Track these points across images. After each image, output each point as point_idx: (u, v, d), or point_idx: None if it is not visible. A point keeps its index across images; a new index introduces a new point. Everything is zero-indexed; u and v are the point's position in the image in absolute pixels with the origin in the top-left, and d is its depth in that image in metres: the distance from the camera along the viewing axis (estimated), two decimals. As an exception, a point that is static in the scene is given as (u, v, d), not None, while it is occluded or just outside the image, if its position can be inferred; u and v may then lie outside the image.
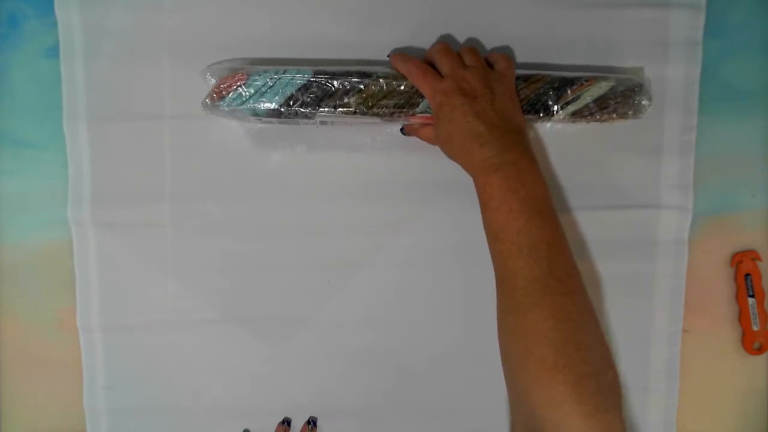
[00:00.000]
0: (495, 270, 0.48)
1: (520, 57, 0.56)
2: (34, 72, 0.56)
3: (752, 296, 0.59)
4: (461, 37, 0.56)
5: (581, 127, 0.57)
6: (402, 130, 0.56)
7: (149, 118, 0.56)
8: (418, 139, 0.55)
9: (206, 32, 0.55)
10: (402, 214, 0.58)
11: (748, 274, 0.59)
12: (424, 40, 0.56)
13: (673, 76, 0.57)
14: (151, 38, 0.55)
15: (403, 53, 0.53)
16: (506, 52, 0.55)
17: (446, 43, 0.53)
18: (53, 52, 0.56)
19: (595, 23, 0.56)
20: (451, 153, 0.51)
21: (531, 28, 0.56)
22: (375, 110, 0.52)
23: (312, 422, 0.59)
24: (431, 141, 0.53)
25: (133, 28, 0.55)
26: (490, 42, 0.56)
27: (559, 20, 0.56)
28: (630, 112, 0.54)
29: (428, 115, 0.52)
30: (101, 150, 0.56)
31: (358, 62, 0.55)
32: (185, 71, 0.55)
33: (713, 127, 0.58)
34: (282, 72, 0.52)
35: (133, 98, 0.56)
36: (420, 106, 0.52)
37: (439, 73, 0.51)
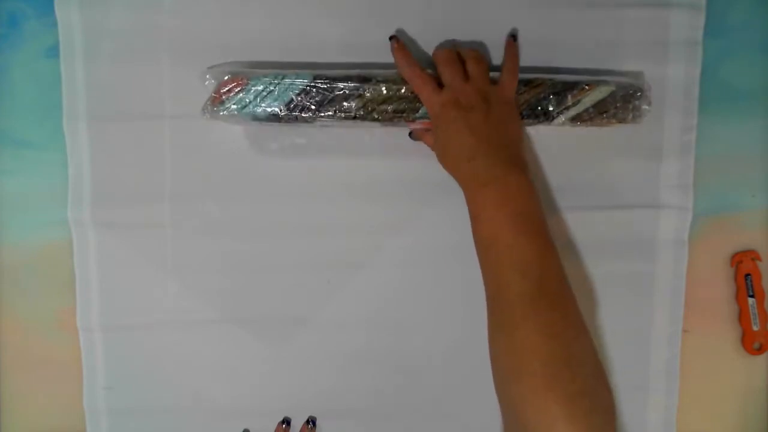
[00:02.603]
0: (485, 284, 0.48)
1: (520, 57, 0.56)
2: (34, 72, 0.56)
3: (752, 296, 0.59)
4: (461, 38, 0.56)
5: (581, 127, 0.57)
6: (410, 134, 0.56)
7: (149, 118, 0.56)
8: (418, 139, 0.56)
9: (206, 32, 0.55)
10: (402, 214, 0.58)
11: (748, 274, 0.59)
12: (424, 41, 0.56)
13: (673, 76, 0.57)
14: (151, 38, 0.55)
15: (406, 53, 0.52)
16: (515, 53, 0.54)
17: (452, 51, 0.52)
18: (53, 52, 0.56)
19: (595, 23, 0.56)
20: (445, 164, 0.51)
21: (531, 27, 0.56)
22: (375, 115, 0.52)
23: (311, 422, 0.59)
24: (432, 148, 0.54)
25: (133, 28, 0.55)
26: (489, 42, 0.56)
27: (558, 20, 0.56)
28: (629, 117, 0.54)
29: (428, 120, 0.52)
30: (101, 150, 0.56)
31: (358, 65, 0.55)
32: (185, 71, 0.55)
33: (713, 127, 0.58)
34: (281, 77, 0.52)
35: (133, 98, 0.56)
36: (420, 111, 0.52)
37: (441, 77, 0.51)
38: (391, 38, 0.53)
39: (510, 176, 0.48)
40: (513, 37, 0.55)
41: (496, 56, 0.56)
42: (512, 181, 0.48)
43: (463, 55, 0.52)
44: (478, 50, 0.53)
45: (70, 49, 0.55)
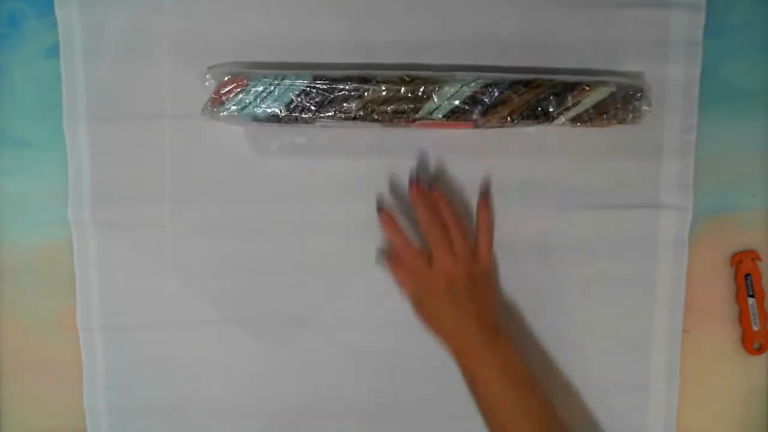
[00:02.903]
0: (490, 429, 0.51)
1: (520, 57, 0.56)
2: (34, 72, 0.56)
3: (752, 296, 0.59)
4: (460, 38, 0.56)
5: (581, 128, 0.57)
6: (385, 259, 0.56)
7: (149, 118, 0.56)
8: (418, 137, 0.56)
9: (206, 33, 0.55)
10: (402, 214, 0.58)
11: (748, 274, 0.59)
12: (423, 42, 0.56)
13: (673, 76, 0.57)
14: (151, 38, 0.55)
15: (394, 224, 0.55)
16: (487, 216, 0.56)
17: (435, 217, 0.53)
18: (53, 52, 0.56)
19: (595, 23, 0.56)
20: (428, 327, 0.54)
21: (531, 27, 0.56)
22: (375, 116, 0.52)
23: None
24: (406, 292, 0.55)
25: (133, 28, 0.55)
26: (490, 42, 0.56)
27: (558, 20, 0.56)
28: (629, 117, 0.54)
29: (428, 121, 0.52)
30: (101, 150, 0.56)
31: (358, 66, 0.55)
32: (185, 71, 0.55)
33: (713, 127, 0.58)
34: (281, 78, 0.52)
35: (133, 98, 0.56)
36: (420, 111, 0.52)
37: (427, 244, 0.53)
38: (378, 211, 0.56)
39: (496, 342, 0.52)
40: (485, 194, 0.56)
41: (493, 57, 0.56)
42: (501, 346, 0.52)
43: (441, 214, 0.54)
44: (456, 215, 0.54)
45: (70, 49, 0.55)
